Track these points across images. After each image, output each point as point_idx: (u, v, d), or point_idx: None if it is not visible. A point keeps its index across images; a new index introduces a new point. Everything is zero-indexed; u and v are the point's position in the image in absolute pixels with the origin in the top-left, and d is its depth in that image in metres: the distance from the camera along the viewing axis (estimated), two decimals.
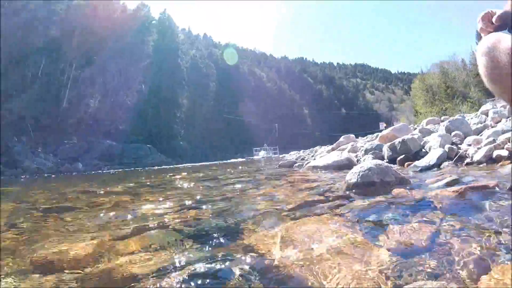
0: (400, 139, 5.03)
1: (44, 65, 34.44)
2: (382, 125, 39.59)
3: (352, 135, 10.38)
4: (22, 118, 30.67)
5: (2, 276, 1.66)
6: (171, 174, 12.12)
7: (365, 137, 11.74)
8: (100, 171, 27.05)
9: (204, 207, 3.38)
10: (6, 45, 31.01)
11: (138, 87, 41.95)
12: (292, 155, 20.44)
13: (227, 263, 1.51)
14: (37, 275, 1.61)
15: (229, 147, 56.33)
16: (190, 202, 3.96)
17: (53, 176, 23.21)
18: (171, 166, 29.58)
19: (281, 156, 35.60)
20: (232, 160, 35.85)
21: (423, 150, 4.91)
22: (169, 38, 49.09)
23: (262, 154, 41.90)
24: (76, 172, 27.07)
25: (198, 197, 4.37)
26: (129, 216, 3.24)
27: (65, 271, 1.67)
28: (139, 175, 14.70)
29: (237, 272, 1.40)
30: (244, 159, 37.55)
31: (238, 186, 5.37)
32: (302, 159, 12.16)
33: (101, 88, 38.08)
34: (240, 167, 13.74)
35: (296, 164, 9.41)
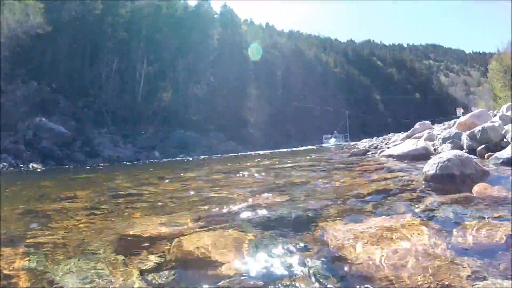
0: (480, 127, 4.63)
1: (116, 64, 37.42)
2: (460, 110, 36.42)
3: (428, 122, 9.79)
4: (101, 112, 33.74)
5: (92, 253, 1.84)
6: (242, 161, 12.23)
7: (442, 124, 10.99)
8: (176, 158, 28.31)
9: (276, 194, 3.36)
10: (79, 48, 34.06)
11: (208, 79, 43.46)
12: (364, 143, 19.47)
13: (301, 255, 1.49)
14: (121, 254, 1.74)
15: (298, 134, 55.91)
16: (261, 189, 3.99)
17: (129, 163, 24.41)
18: (243, 153, 30.05)
19: (352, 143, 34.60)
20: (302, 148, 35.38)
21: (505, 140, 4.41)
22: (232, 31, 49.96)
23: (332, 141, 40.80)
24: (152, 160, 28.57)
25: (270, 184, 4.37)
26: (202, 201, 3.34)
27: (149, 249, 1.79)
28: (212, 162, 15.04)
29: (311, 265, 1.37)
30: (314, 147, 36.90)
31: (309, 174, 5.20)
32: (375, 147, 11.71)
33: (172, 82, 40.16)
34: (310, 155, 13.52)
35: (369, 153, 9.00)
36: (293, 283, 1.29)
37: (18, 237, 2.66)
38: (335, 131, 43.72)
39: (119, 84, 36.40)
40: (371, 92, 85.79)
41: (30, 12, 30.20)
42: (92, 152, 28.99)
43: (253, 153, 29.02)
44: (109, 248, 1.92)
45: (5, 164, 24.02)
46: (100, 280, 1.51)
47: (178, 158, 29.29)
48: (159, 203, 3.80)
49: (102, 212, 3.53)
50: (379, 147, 11.26)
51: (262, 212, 2.54)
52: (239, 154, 29.37)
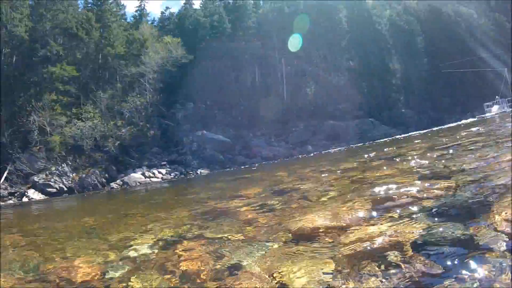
0: None
1: (258, 71, 39.28)
2: None
3: None
4: (253, 117, 35.35)
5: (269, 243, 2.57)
6: (399, 146, 11.29)
7: None
8: (329, 151, 28.35)
9: (447, 179, 3.06)
10: (221, 66, 37.22)
11: (346, 64, 41.39)
12: None
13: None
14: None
15: (455, 106, 48.19)
16: (428, 173, 3.78)
17: (286, 159, 26.71)
18: (397, 137, 28.11)
19: None
20: (462, 122, 30.96)
21: None
22: (358, 7, 46.80)
23: (495, 109, 33.51)
24: (306, 154, 29.23)
25: (436, 169, 4.01)
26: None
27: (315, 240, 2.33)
28: (365, 151, 13.86)
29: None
30: (475, 119, 31.85)
31: (476, 154, 4.64)
32: None
33: (312, 76, 39.37)
34: (472, 129, 12.07)
35: None
36: None
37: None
38: (497, 97, 35.58)
39: (265, 88, 37.65)
40: None
41: (171, 47, 33.89)
42: (250, 154, 30.85)
43: (407, 135, 27.70)
44: None
45: (177, 173, 27.11)
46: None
47: (331, 150, 28.89)
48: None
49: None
50: None
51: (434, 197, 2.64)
52: (394, 137, 27.80)
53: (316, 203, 4.00)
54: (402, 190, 3.09)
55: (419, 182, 3.31)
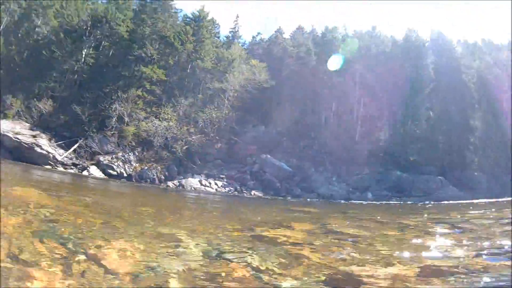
0: None
1: (335, 107, 39.31)
2: None
3: None
4: (319, 152, 35.53)
5: None
6: (463, 212, 10.70)
7: None
8: (390, 202, 27.70)
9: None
10: (299, 96, 38.19)
11: (426, 114, 39.97)
12: None
13: None
14: None
15: None
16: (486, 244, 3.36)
17: (342, 201, 26.60)
18: (462, 202, 26.08)
19: None
20: None
21: None
22: (446, 56, 44.88)
23: None
24: (364, 201, 28.30)
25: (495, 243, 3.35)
26: None
27: None
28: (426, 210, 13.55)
29: None
30: None
31: None
32: None
33: (389, 121, 38.52)
34: None
35: None
36: None
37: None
38: None
39: (337, 126, 37.65)
40: None
41: (256, 71, 35.09)
42: (308, 188, 30.88)
43: (475, 201, 25.36)
44: None
45: (231, 188, 27.96)
46: None
47: (392, 202, 28.10)
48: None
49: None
50: None
51: None
52: (458, 202, 25.80)
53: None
54: None
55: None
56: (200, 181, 27.82)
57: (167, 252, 4.10)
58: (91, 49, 32.44)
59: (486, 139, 43.07)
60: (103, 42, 33.54)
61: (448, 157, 38.60)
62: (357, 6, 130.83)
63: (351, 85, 38.26)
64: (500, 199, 26.97)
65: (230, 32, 39.22)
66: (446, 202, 26.37)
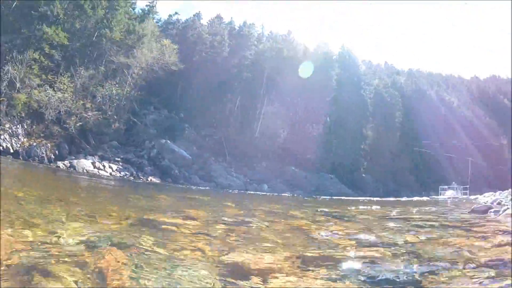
0: None
1: (239, 101, 40.04)
2: None
3: None
4: (220, 143, 35.87)
5: None
6: (353, 207, 11.71)
7: None
8: (285, 194, 29.50)
9: (385, 247, 3.22)
10: (207, 84, 38.11)
11: (324, 119, 42.97)
12: (486, 197, 17.88)
13: None
14: None
15: (414, 183, 50.63)
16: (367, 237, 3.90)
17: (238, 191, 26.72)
18: (352, 198, 29.02)
19: (472, 197, 31.24)
20: (415, 199, 32.97)
21: None
22: (351, 71, 49.05)
23: (449, 194, 35.45)
24: (260, 192, 29.85)
25: (381, 237, 4.08)
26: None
27: None
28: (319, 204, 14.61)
29: None
30: (428, 198, 33.84)
31: (420, 230, 4.90)
32: (499, 203, 11.24)
33: (289, 121, 40.67)
34: (423, 208, 13.06)
35: (492, 210, 8.62)
36: None
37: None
38: (453, 182, 37.90)
39: (240, 120, 38.43)
40: (497, 137, 73.90)
41: (166, 51, 34.09)
42: (207, 176, 30.82)
43: (362, 199, 28.41)
44: None
45: (127, 173, 26.86)
46: None
47: (286, 194, 29.92)
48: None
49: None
50: (503, 203, 10.67)
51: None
52: (348, 198, 28.46)
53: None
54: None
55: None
56: (93, 163, 25.74)
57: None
58: None
59: (375, 147, 48.04)
60: None
61: (340, 159, 42.03)
62: (276, 8, 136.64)
63: (259, 82, 39.57)
64: (383, 198, 30.59)
65: (146, 5, 37.78)
66: (336, 197, 28.25)
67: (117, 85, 31.39)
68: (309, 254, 3.10)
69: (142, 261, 3.26)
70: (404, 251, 3.32)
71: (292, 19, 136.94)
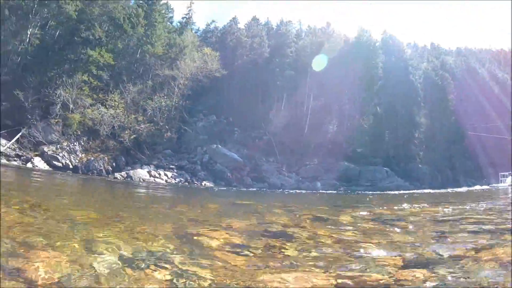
0: None
1: (285, 99, 40.09)
2: None
3: None
4: (270, 143, 35.83)
5: None
6: (408, 204, 10.78)
7: None
8: (339, 191, 28.97)
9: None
10: (251, 87, 38.89)
11: (373, 110, 41.63)
12: None
13: None
14: None
15: (474, 171, 47.89)
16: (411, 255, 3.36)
17: (292, 191, 26.38)
18: (408, 191, 27.98)
19: None
20: (474, 188, 31.77)
21: None
22: (396, 56, 47.13)
23: (509, 181, 33.06)
24: (314, 190, 29.31)
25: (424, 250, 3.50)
26: None
27: None
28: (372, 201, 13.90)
29: None
30: (488, 187, 32.66)
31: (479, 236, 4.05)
32: None
33: (337, 115, 39.84)
34: (483, 203, 11.11)
35: None
36: None
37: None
38: None
39: (287, 118, 38.24)
40: None
41: (208, 59, 34.78)
42: (259, 177, 31.05)
43: (419, 191, 27.74)
44: None
45: (182, 179, 27.51)
46: None
47: (340, 191, 29.53)
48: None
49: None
50: None
51: None
52: (404, 192, 27.43)
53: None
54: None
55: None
56: (149, 172, 27.12)
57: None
58: (36, 29, 30.34)
59: (430, 135, 45.68)
60: (49, 22, 31.60)
61: (393, 150, 40.48)
62: (313, 3, 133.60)
63: (302, 79, 39.09)
64: (440, 190, 29.09)
65: (183, 18, 38.57)
66: (392, 192, 27.26)
67: (165, 97, 32.68)
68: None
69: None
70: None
71: (330, 10, 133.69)
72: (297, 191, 27.34)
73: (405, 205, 10.39)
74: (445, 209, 8.84)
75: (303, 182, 32.60)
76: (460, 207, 9.96)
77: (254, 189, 26.97)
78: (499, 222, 5.86)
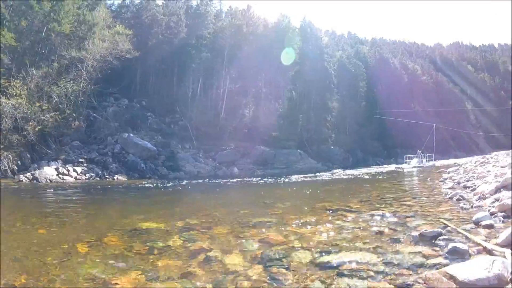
0: None
1: (201, 82, 39.30)
2: None
3: None
4: (186, 128, 35.23)
5: None
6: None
7: None
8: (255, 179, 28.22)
9: None
10: (166, 69, 36.63)
11: (288, 94, 42.86)
12: (451, 174, 17.29)
13: None
14: None
15: (381, 152, 52.56)
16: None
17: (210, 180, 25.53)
18: (322, 173, 29.67)
19: (437, 163, 33.46)
20: (381, 169, 34.59)
21: None
22: (313, 44, 48.71)
23: (414, 162, 36.90)
24: (230, 178, 28.06)
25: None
26: None
27: None
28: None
29: None
30: (394, 168, 36.36)
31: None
32: (465, 186, 10.97)
33: (253, 99, 40.29)
34: (386, 183, 12.61)
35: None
36: None
37: None
38: (418, 151, 39.27)
39: (204, 102, 37.78)
40: (461, 102, 76.89)
41: (119, 39, 32.17)
42: (175, 166, 29.90)
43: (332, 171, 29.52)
44: None
45: (92, 174, 25.31)
46: None
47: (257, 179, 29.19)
48: None
49: None
50: (468, 186, 10.66)
51: None
52: (318, 174, 29.08)
53: None
54: None
55: None
56: (57, 169, 24.11)
57: None
58: None
59: (341, 118, 48.82)
60: None
61: (307, 133, 42.49)
62: None
63: (219, 61, 38.76)
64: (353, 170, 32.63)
65: None
66: (305, 176, 27.67)
67: (72, 81, 29.43)
68: None
69: None
70: None
71: None
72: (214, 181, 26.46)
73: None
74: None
75: (220, 168, 32.39)
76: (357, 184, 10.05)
77: (171, 179, 25.55)
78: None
